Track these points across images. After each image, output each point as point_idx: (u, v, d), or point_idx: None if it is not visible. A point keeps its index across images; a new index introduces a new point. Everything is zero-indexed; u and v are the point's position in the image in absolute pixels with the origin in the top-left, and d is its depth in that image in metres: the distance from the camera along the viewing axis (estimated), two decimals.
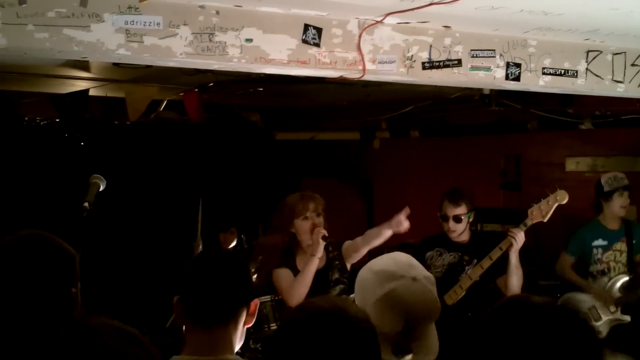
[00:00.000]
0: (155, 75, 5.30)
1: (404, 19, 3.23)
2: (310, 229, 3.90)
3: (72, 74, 5.51)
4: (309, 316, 1.51)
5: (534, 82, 3.67)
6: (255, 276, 4.14)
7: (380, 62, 3.29)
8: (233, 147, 7.52)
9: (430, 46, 3.40)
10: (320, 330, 1.48)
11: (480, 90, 5.77)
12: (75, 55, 2.92)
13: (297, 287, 3.82)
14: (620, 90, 3.93)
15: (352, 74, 3.27)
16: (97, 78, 5.76)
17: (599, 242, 5.08)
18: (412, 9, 2.98)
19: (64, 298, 1.79)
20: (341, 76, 3.30)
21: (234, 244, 5.27)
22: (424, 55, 3.39)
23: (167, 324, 4.70)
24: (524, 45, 3.62)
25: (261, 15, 3.03)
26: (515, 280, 4.10)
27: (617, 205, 5.04)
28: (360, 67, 3.24)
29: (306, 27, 3.12)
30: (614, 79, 3.88)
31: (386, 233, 3.92)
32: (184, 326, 2.03)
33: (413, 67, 3.37)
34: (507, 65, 3.58)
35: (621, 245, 5.06)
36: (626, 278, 5.02)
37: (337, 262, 4.02)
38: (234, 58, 3.00)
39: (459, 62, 3.46)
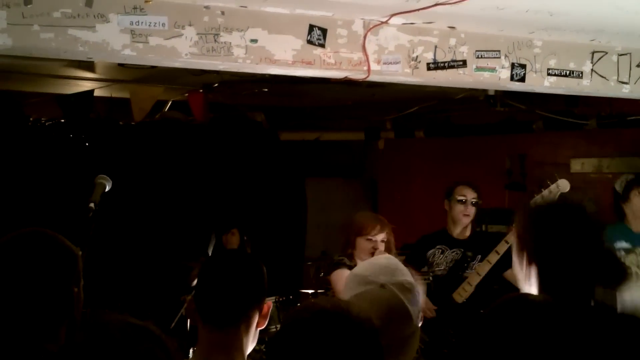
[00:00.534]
0: (160, 76, 5.31)
1: (409, 20, 3.23)
2: (370, 251, 3.83)
3: (77, 74, 5.53)
4: (311, 316, 1.51)
5: (539, 82, 3.66)
6: None
7: (385, 63, 3.28)
8: (238, 147, 7.51)
9: (435, 47, 3.40)
10: (322, 331, 1.47)
11: (485, 90, 5.76)
12: (81, 55, 2.92)
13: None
14: (625, 92, 3.91)
15: (357, 75, 3.27)
16: (102, 78, 5.78)
17: (622, 244, 4.67)
18: (418, 10, 2.98)
19: (65, 296, 1.79)
20: (346, 77, 3.30)
21: (236, 245, 5.26)
22: (429, 56, 3.38)
23: (172, 324, 4.70)
24: (530, 45, 3.61)
25: (266, 15, 3.03)
26: None
27: (638, 204, 4.86)
28: (365, 68, 3.24)
29: (311, 27, 3.12)
30: (619, 79, 3.87)
31: None
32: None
33: (418, 67, 3.36)
34: (512, 66, 3.57)
35: None
36: None
37: None
38: (239, 58, 3.00)
39: (464, 63, 3.46)
